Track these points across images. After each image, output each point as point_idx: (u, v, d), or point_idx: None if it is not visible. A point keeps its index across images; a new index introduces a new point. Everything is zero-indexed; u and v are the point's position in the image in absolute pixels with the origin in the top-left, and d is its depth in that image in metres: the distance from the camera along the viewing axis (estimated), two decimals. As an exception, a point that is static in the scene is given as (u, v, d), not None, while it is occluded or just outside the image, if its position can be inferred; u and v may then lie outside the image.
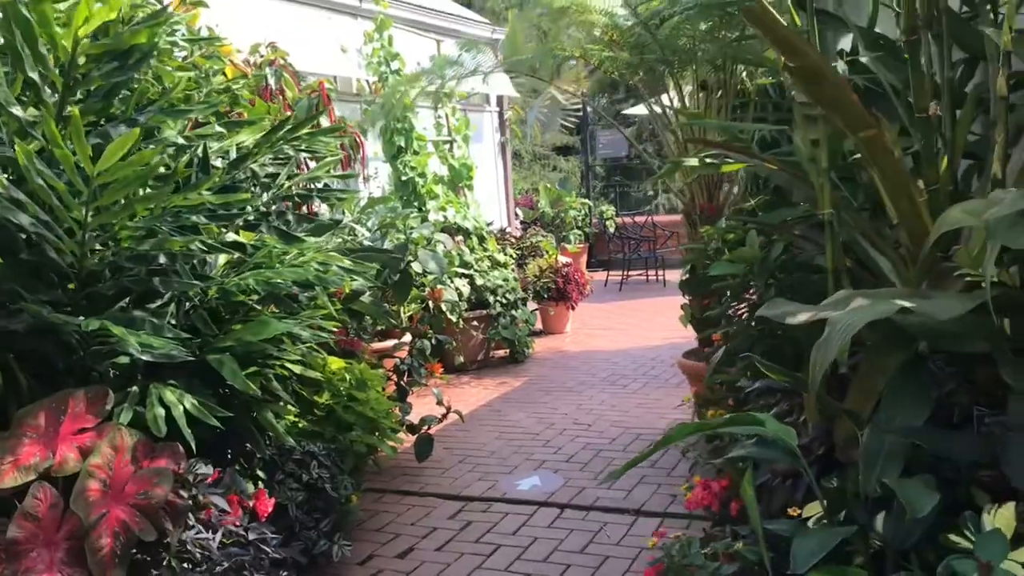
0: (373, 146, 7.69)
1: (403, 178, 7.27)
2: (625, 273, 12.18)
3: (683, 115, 4.81)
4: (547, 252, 8.84)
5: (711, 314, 3.97)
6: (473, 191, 8.12)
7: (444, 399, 5.10)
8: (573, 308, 8.83)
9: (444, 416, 5.11)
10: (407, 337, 5.90)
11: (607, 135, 14.24)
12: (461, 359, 7.22)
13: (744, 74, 5.31)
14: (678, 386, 6.48)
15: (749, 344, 3.34)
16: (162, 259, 2.96)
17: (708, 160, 3.49)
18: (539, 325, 8.79)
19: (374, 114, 6.62)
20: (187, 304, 3.31)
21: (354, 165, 5.66)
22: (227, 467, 3.44)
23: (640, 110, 13.58)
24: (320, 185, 5.23)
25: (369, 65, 7.41)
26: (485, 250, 7.80)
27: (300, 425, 4.14)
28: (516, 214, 10.12)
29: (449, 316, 6.81)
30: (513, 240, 8.43)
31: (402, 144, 7.29)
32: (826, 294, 2.99)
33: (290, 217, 3.66)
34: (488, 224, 8.18)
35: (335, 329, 3.85)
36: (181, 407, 2.88)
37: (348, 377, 4.43)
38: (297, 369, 3.54)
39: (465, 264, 7.34)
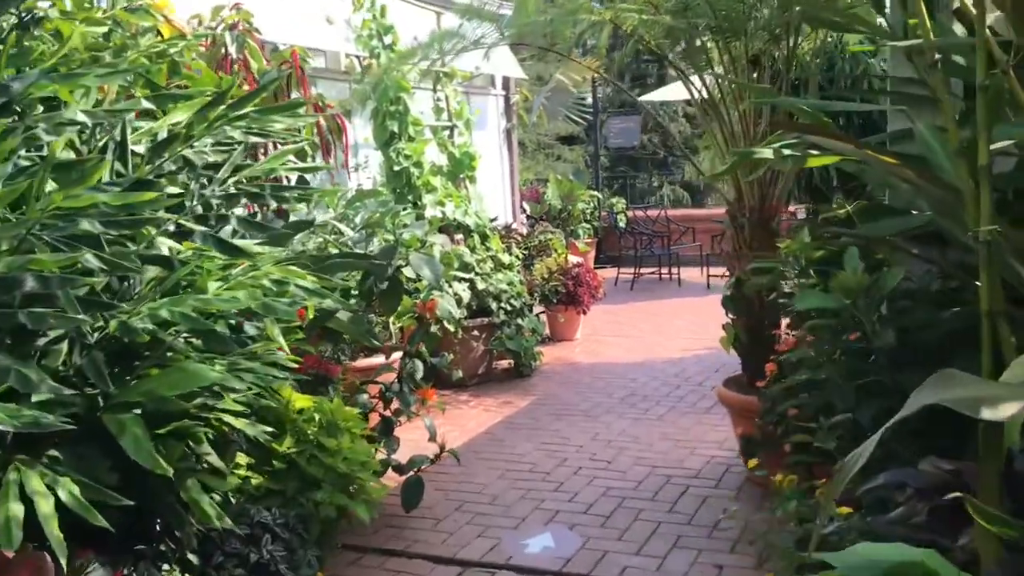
0: (363, 131, 6.77)
1: (396, 168, 6.34)
2: (637, 271, 11.25)
3: (751, 90, 3.87)
4: (556, 251, 7.93)
5: (789, 357, 3.04)
6: (475, 183, 7.19)
7: (438, 434, 4.20)
8: (584, 313, 7.92)
9: (437, 457, 4.20)
10: (398, 355, 4.98)
11: (618, 123, 13.30)
12: (459, 374, 6.32)
13: (804, 46, 4.39)
14: (709, 411, 5.58)
15: (849, 400, 2.44)
16: (30, 283, 2.05)
17: (789, 151, 2.58)
18: (546, 331, 7.88)
19: (362, 94, 5.70)
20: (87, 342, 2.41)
21: (335, 153, 4.74)
22: (141, 556, 2.55)
23: (661, 95, 12.63)
24: (290, 179, 4.33)
25: (359, 39, 6.47)
26: (488, 250, 6.88)
27: (254, 482, 3.25)
28: (523, 208, 9.17)
29: (447, 326, 5.90)
30: (519, 238, 7.51)
31: (395, 130, 6.37)
32: (967, 342, 2.10)
33: (233, 221, 2.74)
34: (492, 220, 7.26)
35: (295, 365, 2.94)
36: (53, 499, 1.98)
37: (318, 417, 3.53)
38: (240, 424, 2.64)
39: (465, 266, 6.42)
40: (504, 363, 6.88)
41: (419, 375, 4.59)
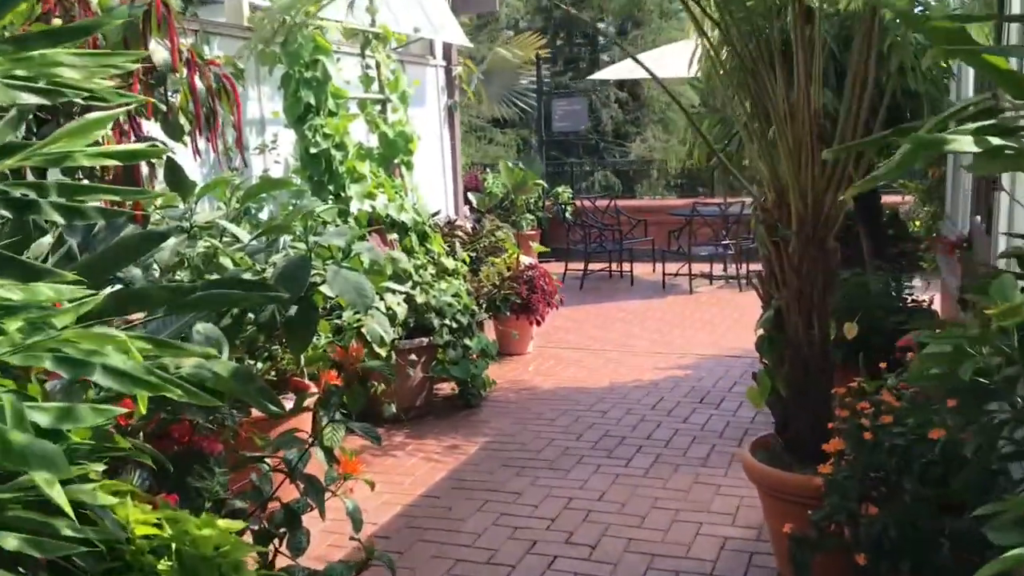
0: (273, 103, 5.35)
1: (312, 150, 4.95)
2: (586, 267, 10.04)
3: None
4: (507, 251, 6.63)
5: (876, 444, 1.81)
6: (412, 170, 5.83)
7: (364, 536, 2.88)
8: (539, 323, 6.66)
9: (364, 566, 2.89)
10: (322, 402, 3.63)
11: (564, 105, 12.04)
12: (392, 408, 5.00)
13: None
14: (705, 462, 4.39)
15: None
16: None
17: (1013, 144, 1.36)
18: (492, 338, 6.61)
19: (261, 53, 4.27)
20: None
21: (221, 130, 3.35)
22: None
23: (614, 73, 11.41)
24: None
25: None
26: (428, 252, 5.55)
27: None
28: (467, 200, 7.80)
29: (377, 350, 4.57)
30: (464, 237, 6.19)
31: (312, 102, 4.96)
32: None
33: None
34: (433, 215, 5.92)
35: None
36: None
37: (172, 544, 2.19)
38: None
39: (400, 274, 5.08)
40: (447, 387, 5.59)
41: (339, 441, 3.26)
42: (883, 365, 3.26)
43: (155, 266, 3.51)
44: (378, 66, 5.77)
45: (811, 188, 2.93)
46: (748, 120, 3.24)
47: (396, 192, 5.46)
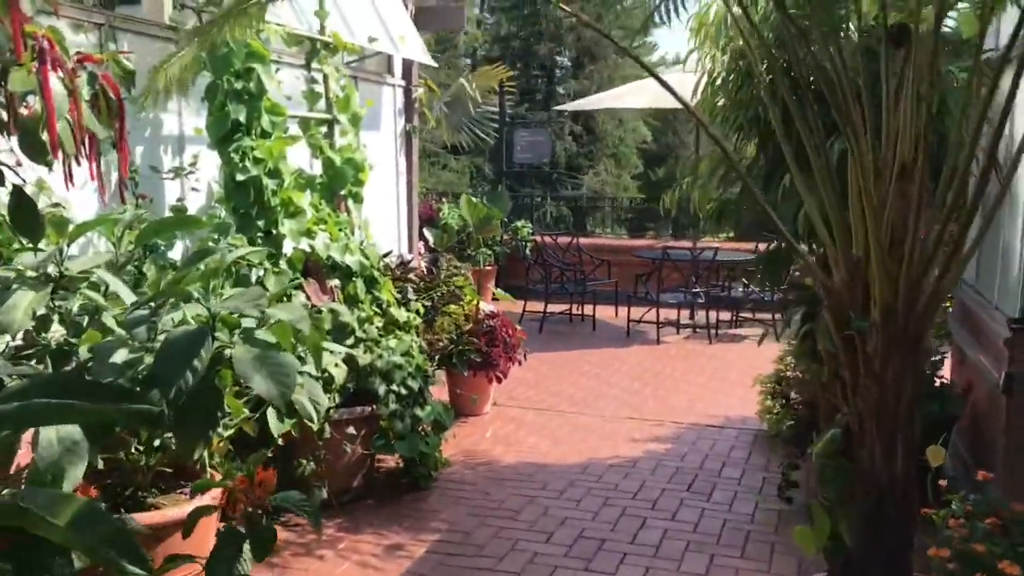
0: (197, 118, 4.39)
1: (239, 177, 4.00)
2: (545, 309, 9.17)
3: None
4: (466, 297, 5.73)
5: None
6: (362, 203, 4.91)
7: None
8: (499, 381, 5.76)
9: None
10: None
11: (527, 136, 11.22)
12: (323, 493, 4.04)
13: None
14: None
15: None
16: None
17: None
18: (443, 395, 5.71)
19: (181, 60, 3.33)
20: None
21: (93, 152, 2.40)
22: None
23: (581, 105, 10.64)
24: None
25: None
26: (376, 301, 4.63)
27: None
28: (422, 237, 6.84)
29: (307, 423, 3.63)
30: (418, 282, 5.26)
31: (241, 119, 4.03)
32: None
33: None
34: (383, 256, 4.99)
35: None
36: None
37: None
38: None
39: (341, 330, 4.15)
40: (391, 458, 4.64)
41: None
42: (943, 483, 2.46)
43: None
44: (326, 80, 4.84)
45: (906, 266, 2.10)
46: (794, 166, 2.41)
47: (341, 229, 4.53)
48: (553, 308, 9.33)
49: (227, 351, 2.58)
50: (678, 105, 3.09)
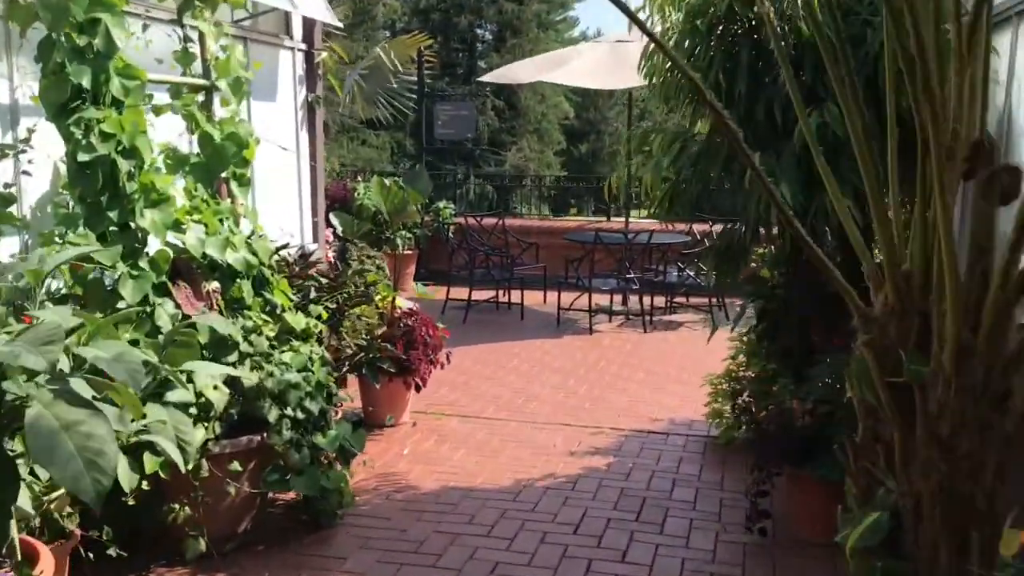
0: (33, 82, 3.46)
1: (83, 156, 3.12)
2: (470, 296, 8.43)
3: None
4: (379, 293, 4.95)
5: None
6: (248, 188, 4.06)
7: None
8: (418, 389, 5.02)
9: None
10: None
11: (449, 110, 10.38)
12: (200, 545, 3.24)
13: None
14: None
15: None
16: None
17: None
18: (356, 403, 4.95)
19: (11, 5, 2.40)
20: None
21: None
22: None
23: (500, 77, 9.84)
24: None
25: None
26: (268, 306, 3.80)
27: None
28: (330, 223, 5.91)
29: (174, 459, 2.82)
30: (322, 281, 4.44)
31: (86, 83, 3.15)
32: None
33: None
34: (278, 250, 4.15)
35: None
36: None
37: None
38: None
39: (220, 344, 3.33)
40: (288, 496, 3.86)
41: None
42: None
43: None
44: (202, 39, 3.96)
45: (995, 289, 1.43)
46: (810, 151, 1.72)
47: (221, 220, 3.69)
48: (479, 295, 8.60)
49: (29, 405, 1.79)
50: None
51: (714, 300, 8.11)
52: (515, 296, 8.78)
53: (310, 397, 3.55)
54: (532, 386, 6.00)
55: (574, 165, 45.33)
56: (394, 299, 5.04)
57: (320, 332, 3.94)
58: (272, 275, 3.88)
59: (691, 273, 8.20)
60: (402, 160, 33.88)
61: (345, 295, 4.32)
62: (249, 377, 3.40)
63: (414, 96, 9.67)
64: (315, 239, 5.47)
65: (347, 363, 4.38)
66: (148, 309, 3.21)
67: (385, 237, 9.20)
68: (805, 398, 3.63)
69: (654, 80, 3.86)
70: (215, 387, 3.28)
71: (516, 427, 5.10)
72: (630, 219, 9.88)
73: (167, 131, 3.89)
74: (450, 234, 8.98)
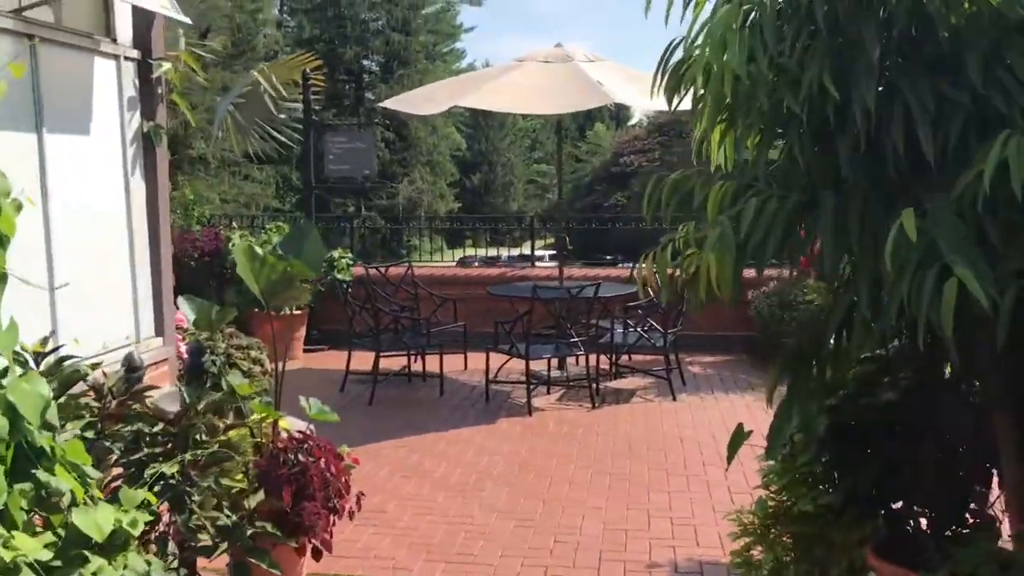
0: None
1: None
2: (376, 367, 6.70)
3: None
4: (254, 413, 3.24)
5: None
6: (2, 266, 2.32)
7: None
8: (318, 554, 3.32)
9: None
10: None
11: (343, 142, 8.67)
12: None
13: None
14: None
15: None
16: None
17: None
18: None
19: None
20: None
21: None
22: None
23: (400, 103, 8.23)
24: None
25: None
26: (41, 494, 2.06)
27: None
28: (177, 308, 3.95)
29: None
30: (154, 430, 2.67)
31: None
32: None
33: None
34: (76, 379, 2.39)
35: None
36: None
37: None
38: None
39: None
40: None
41: None
42: None
43: None
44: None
45: None
46: None
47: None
48: (387, 362, 6.89)
49: None
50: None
51: (670, 360, 6.72)
52: (431, 362, 7.14)
53: None
54: (471, 511, 4.38)
55: (468, 196, 44.06)
56: (276, 422, 3.34)
57: (146, 531, 2.21)
58: (54, 435, 2.14)
59: (641, 331, 6.77)
60: (288, 195, 31.57)
61: (193, 457, 2.59)
62: None
63: (299, 127, 7.94)
64: (159, 332, 3.68)
65: (200, 551, 2.65)
66: None
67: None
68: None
69: (689, 95, 2.36)
70: None
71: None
72: (517, 248, 8.42)
73: None
74: (348, 293, 7.25)
